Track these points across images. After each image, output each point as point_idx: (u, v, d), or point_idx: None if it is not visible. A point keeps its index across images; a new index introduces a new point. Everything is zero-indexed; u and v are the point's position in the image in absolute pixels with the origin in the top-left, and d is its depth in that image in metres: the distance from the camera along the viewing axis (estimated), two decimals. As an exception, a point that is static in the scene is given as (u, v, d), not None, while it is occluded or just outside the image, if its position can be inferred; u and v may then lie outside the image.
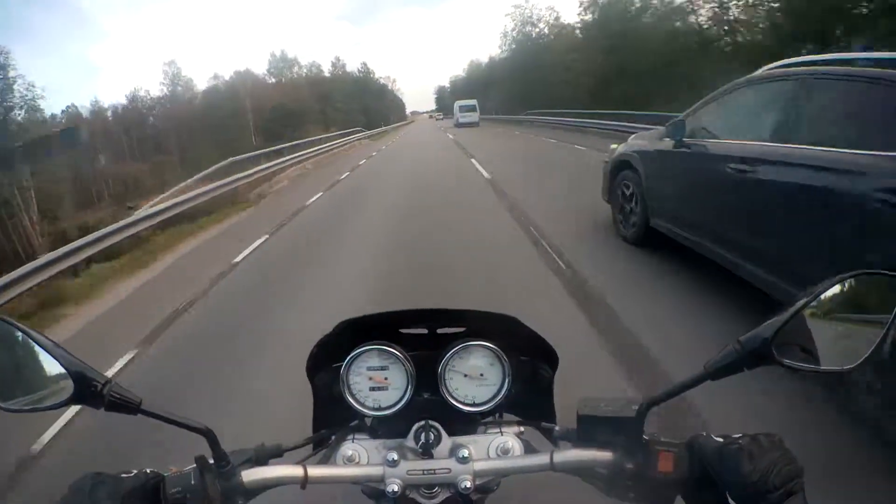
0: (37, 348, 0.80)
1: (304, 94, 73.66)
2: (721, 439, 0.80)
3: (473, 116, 48.88)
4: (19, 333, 0.80)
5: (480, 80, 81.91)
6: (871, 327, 0.79)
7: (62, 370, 0.80)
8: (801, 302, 0.77)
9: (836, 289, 0.79)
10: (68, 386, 0.80)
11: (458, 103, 52.52)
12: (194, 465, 0.83)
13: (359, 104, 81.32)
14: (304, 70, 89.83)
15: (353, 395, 0.98)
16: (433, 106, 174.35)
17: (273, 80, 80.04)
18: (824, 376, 0.79)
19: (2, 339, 0.82)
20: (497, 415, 1.04)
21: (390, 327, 1.04)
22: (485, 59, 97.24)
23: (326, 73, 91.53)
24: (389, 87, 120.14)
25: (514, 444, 0.96)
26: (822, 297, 0.78)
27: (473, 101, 50.91)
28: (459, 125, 46.37)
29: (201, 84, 72.79)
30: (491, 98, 62.54)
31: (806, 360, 0.80)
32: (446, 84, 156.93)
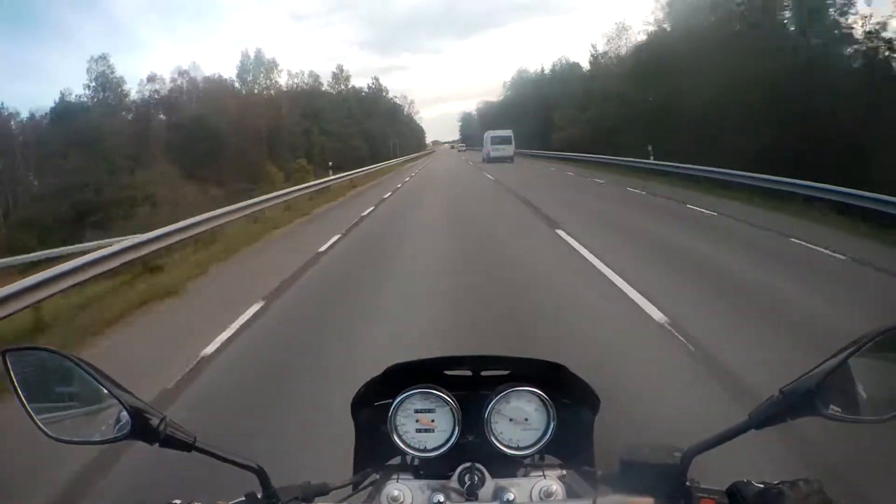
0: (93, 382, 0.84)
1: (278, 111, 53.54)
2: (762, 485, 0.82)
3: (507, 150, 42.34)
4: (74, 366, 0.85)
5: (516, 106, 73.29)
6: None
7: (118, 405, 0.83)
8: (844, 354, 0.79)
9: (878, 342, 0.81)
10: (124, 421, 0.83)
11: (489, 133, 45.86)
12: (243, 500, 0.88)
13: (361, 128, 66.18)
14: (292, 80, 66.09)
15: (399, 436, 1.01)
16: (456, 136, 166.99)
17: (240, 87, 57.39)
18: (868, 426, 0.81)
19: (57, 372, 0.86)
20: (538, 457, 1.07)
21: (436, 370, 1.08)
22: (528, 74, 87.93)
23: (325, 87, 71.63)
24: (406, 111, 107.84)
25: (557, 488, 0.98)
26: (864, 347, 0.80)
27: (509, 132, 44.52)
28: (490, 160, 41.23)
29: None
30: (526, 127, 55.75)
31: (848, 410, 0.82)
32: (472, 111, 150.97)
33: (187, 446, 0.84)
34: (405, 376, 1.03)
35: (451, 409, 1.00)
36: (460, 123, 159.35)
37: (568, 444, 1.09)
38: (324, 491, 0.97)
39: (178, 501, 0.85)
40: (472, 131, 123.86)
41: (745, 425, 0.83)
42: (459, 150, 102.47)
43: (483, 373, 1.09)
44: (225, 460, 0.84)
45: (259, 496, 0.88)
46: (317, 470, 1.11)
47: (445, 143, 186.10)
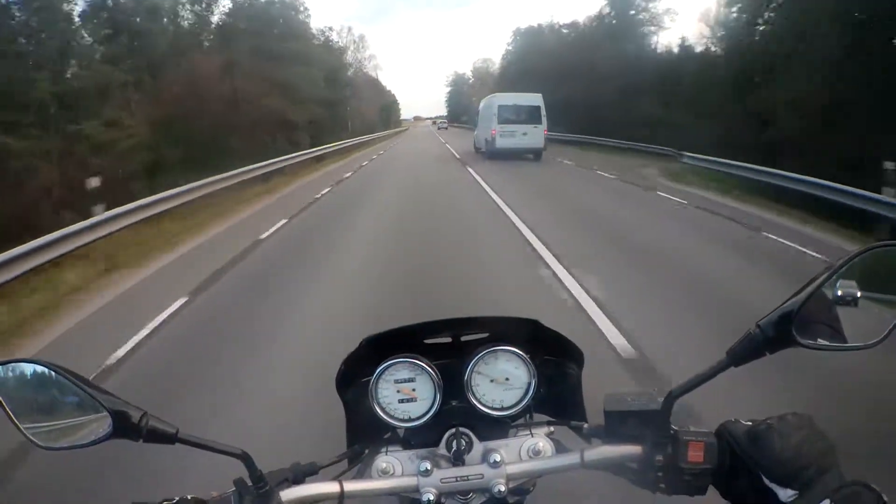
0: (73, 387, 0.88)
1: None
2: (750, 423, 0.87)
3: (533, 135, 24.40)
4: (54, 374, 0.88)
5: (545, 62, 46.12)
6: (892, 300, 0.86)
7: (99, 407, 0.87)
8: (818, 281, 0.83)
9: (855, 264, 0.83)
10: (106, 422, 0.87)
11: (495, 101, 26.01)
12: (234, 489, 0.92)
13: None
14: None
15: (383, 409, 1.07)
16: (443, 112, 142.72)
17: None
18: (849, 353, 0.86)
19: (39, 382, 0.90)
20: (527, 416, 1.13)
21: (414, 339, 1.13)
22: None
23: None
24: (365, 71, 76.20)
25: (545, 445, 1.04)
26: (840, 272, 0.83)
27: (536, 99, 25.24)
28: (495, 153, 24.68)
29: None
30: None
31: (827, 338, 0.85)
32: (467, 72, 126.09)
33: (170, 438, 0.88)
34: (382, 348, 1.09)
35: (430, 376, 1.05)
36: (448, 91, 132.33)
37: (556, 401, 1.15)
38: (313, 470, 1.02)
39: (174, 498, 0.88)
40: (464, 104, 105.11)
41: (723, 364, 0.87)
42: (440, 128, 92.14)
43: (463, 338, 1.15)
44: (208, 448, 0.90)
45: (248, 483, 0.92)
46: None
47: (428, 118, 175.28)
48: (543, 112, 24.31)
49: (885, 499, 0.71)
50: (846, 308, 0.84)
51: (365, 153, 34.96)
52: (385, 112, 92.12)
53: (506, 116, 24.31)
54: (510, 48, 69.50)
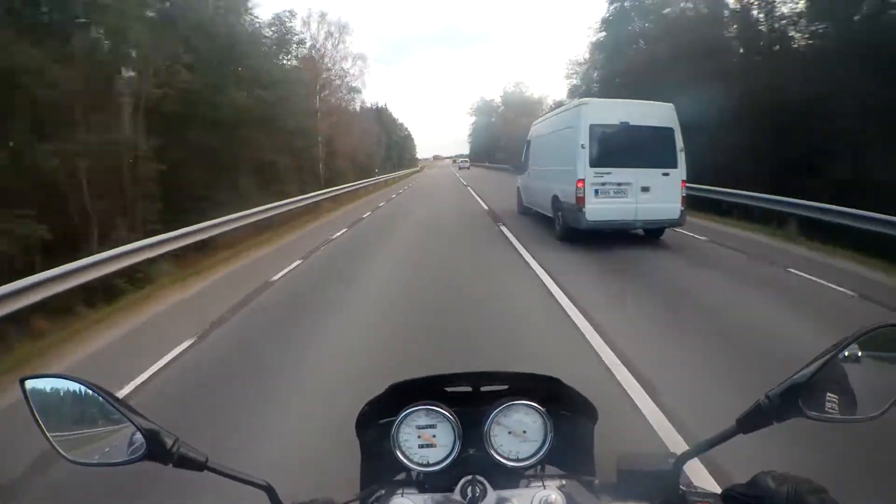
0: (107, 406, 0.93)
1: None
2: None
3: (666, 192, 11.18)
4: (89, 391, 0.93)
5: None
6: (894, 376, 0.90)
7: (132, 428, 0.92)
8: (827, 356, 0.88)
9: (861, 342, 0.88)
10: (139, 443, 0.92)
11: (587, 111, 11.19)
12: None
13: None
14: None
15: (403, 452, 1.13)
16: (465, 150, 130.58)
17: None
18: (852, 426, 0.91)
19: (73, 398, 0.94)
20: (538, 467, 1.19)
21: (437, 386, 1.20)
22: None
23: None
24: (348, 82, 48.42)
25: (557, 498, 1.08)
26: (848, 348, 0.88)
27: (667, 112, 11.39)
28: (584, 227, 11.10)
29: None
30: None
31: (833, 410, 0.88)
32: (496, 98, 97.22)
33: (200, 466, 0.95)
34: (406, 394, 1.17)
35: (451, 424, 1.13)
36: (473, 122, 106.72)
37: (568, 455, 1.22)
38: None
39: None
40: (494, 135, 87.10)
41: (732, 430, 0.94)
42: (461, 168, 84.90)
43: (482, 388, 1.22)
44: (235, 478, 0.97)
45: None
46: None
47: (448, 157, 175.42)
48: (680, 144, 11.42)
49: None
50: (850, 382, 0.87)
51: (340, 216, 21.17)
52: (396, 149, 79.98)
53: (606, 148, 11.23)
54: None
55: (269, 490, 0.97)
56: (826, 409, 0.88)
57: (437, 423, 1.13)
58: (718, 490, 0.96)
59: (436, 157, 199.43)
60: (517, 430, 1.13)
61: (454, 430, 1.12)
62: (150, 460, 0.92)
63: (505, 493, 1.09)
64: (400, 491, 1.14)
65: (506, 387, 1.19)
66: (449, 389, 1.22)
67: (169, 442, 0.92)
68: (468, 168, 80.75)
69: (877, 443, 3.19)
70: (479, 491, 1.07)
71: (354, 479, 1.28)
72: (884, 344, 0.89)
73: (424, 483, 1.15)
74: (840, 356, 0.87)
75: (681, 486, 0.98)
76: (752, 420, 0.90)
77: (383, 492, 1.16)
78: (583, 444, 1.24)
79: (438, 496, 1.10)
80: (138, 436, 0.91)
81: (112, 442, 0.94)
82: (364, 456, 1.26)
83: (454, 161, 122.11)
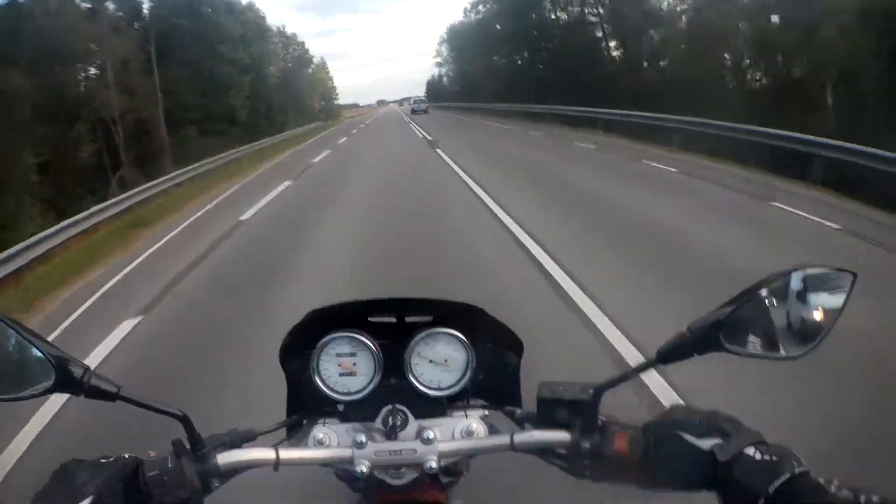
0: (16, 338, 0.89)
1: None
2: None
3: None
4: None
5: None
6: (819, 318, 0.90)
7: (43, 359, 0.88)
8: (751, 291, 0.89)
9: (788, 279, 0.89)
10: (49, 374, 0.88)
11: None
12: (171, 450, 0.95)
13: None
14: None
15: (323, 381, 1.13)
16: (410, 93, 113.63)
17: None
18: (773, 363, 0.82)
19: None
20: (465, 401, 1.20)
21: (359, 316, 1.20)
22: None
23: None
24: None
25: (478, 427, 1.10)
26: (772, 286, 0.88)
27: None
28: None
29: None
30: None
31: (756, 347, 0.90)
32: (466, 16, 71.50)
33: (112, 396, 0.92)
34: (328, 322, 1.16)
35: (371, 352, 1.13)
36: (437, 60, 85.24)
37: (494, 389, 1.23)
38: (251, 436, 1.08)
39: (111, 457, 0.91)
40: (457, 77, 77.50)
41: (651, 361, 0.95)
42: (415, 111, 62.91)
43: (407, 319, 1.22)
44: (149, 408, 0.94)
45: (186, 445, 0.96)
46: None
47: (392, 101, 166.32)
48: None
49: (804, 463, 0.78)
50: (774, 320, 0.88)
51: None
52: (284, 92, 53.51)
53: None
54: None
55: (184, 420, 0.94)
56: (748, 345, 0.89)
57: (357, 352, 1.13)
58: (639, 424, 0.97)
59: (380, 103, 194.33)
60: (438, 359, 1.13)
61: (375, 358, 1.12)
62: (60, 391, 0.89)
63: (426, 422, 1.10)
64: (322, 420, 1.14)
65: (430, 318, 1.19)
66: (372, 320, 1.22)
67: (79, 371, 0.89)
68: (425, 112, 59.47)
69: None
70: (400, 420, 1.08)
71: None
72: (810, 283, 0.88)
73: (346, 414, 1.15)
74: (764, 293, 0.87)
75: (600, 417, 0.98)
76: (672, 351, 0.90)
77: (305, 422, 1.17)
78: (508, 375, 1.24)
79: (359, 425, 1.10)
80: (48, 365, 0.87)
81: (20, 374, 0.90)
82: (289, 386, 1.25)
83: (400, 104, 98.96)
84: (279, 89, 51.47)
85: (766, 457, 0.80)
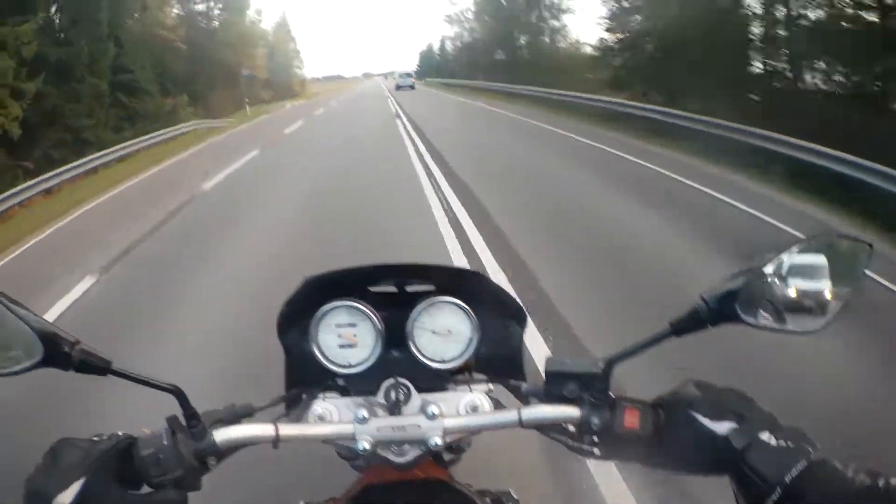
0: (3, 311, 0.84)
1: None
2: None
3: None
4: None
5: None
6: (837, 290, 0.88)
7: (30, 332, 0.84)
8: (768, 261, 0.87)
9: (804, 249, 0.87)
10: (37, 348, 0.85)
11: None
12: (166, 427, 0.93)
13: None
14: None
15: (322, 353, 1.10)
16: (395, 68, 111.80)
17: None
18: (790, 337, 0.80)
19: None
20: (468, 374, 1.18)
21: (358, 285, 1.17)
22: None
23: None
24: None
25: (484, 402, 1.08)
26: (789, 256, 0.86)
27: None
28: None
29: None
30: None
31: (771, 319, 0.88)
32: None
33: (103, 370, 0.88)
34: (326, 291, 1.12)
35: (372, 323, 1.09)
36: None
37: (498, 362, 1.20)
38: (249, 412, 1.04)
39: (104, 434, 0.89)
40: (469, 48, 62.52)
41: (664, 333, 0.91)
42: (399, 87, 53.18)
43: (408, 288, 1.19)
44: (141, 382, 0.91)
45: (181, 421, 0.93)
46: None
47: (379, 75, 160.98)
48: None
49: (818, 447, 0.76)
50: (791, 292, 0.85)
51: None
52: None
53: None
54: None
55: (178, 394, 0.91)
56: (764, 317, 0.86)
57: (357, 322, 1.09)
58: (648, 399, 0.95)
59: (366, 75, 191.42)
60: (442, 330, 1.10)
61: (376, 329, 1.09)
62: (49, 366, 0.85)
63: (430, 396, 1.07)
64: (322, 395, 1.11)
65: (431, 287, 1.16)
66: (372, 289, 1.18)
67: (68, 344, 0.85)
68: (411, 87, 52.15)
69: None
70: (403, 394, 1.05)
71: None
72: (828, 252, 0.87)
73: (347, 387, 1.12)
74: (778, 263, 0.85)
75: (611, 392, 0.95)
76: (686, 323, 0.88)
77: (305, 396, 1.14)
78: (511, 348, 1.22)
79: (361, 399, 1.07)
80: (35, 339, 0.83)
81: (4, 347, 0.86)
82: (288, 359, 1.22)
83: (386, 78, 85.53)
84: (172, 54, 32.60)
85: (782, 442, 0.77)
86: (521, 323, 1.22)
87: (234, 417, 1.01)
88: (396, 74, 68.98)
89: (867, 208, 8.14)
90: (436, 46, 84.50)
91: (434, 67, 77.31)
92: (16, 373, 0.86)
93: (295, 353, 1.19)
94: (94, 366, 0.87)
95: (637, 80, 24.25)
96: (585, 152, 13.50)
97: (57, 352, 0.85)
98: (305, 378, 1.17)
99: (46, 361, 0.85)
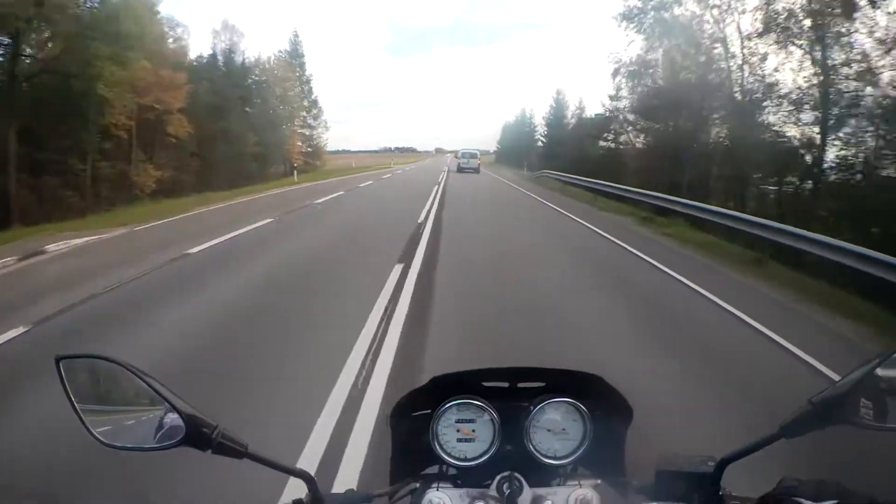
0: (147, 389, 0.91)
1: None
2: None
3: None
4: (129, 374, 0.90)
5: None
6: None
7: (172, 412, 0.90)
8: (875, 362, 0.87)
9: None
10: (178, 427, 0.90)
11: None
12: None
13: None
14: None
15: (441, 446, 1.13)
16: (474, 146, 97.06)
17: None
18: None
19: (110, 379, 0.93)
20: (570, 468, 1.18)
21: (474, 381, 1.20)
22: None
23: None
24: None
25: (593, 497, 1.09)
26: (888, 361, 0.86)
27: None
28: None
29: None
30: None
31: (879, 418, 0.88)
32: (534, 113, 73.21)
33: (239, 453, 0.94)
34: (444, 388, 1.17)
35: (491, 419, 1.14)
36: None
37: (600, 456, 1.21)
38: (367, 499, 1.09)
39: None
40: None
41: (775, 435, 0.93)
42: (462, 168, 48.49)
43: (520, 385, 1.22)
44: (275, 467, 0.96)
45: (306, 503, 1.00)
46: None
47: (449, 152, 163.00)
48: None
49: None
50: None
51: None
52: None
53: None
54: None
55: (309, 480, 0.97)
56: (871, 416, 0.87)
57: (476, 418, 1.14)
58: (755, 496, 0.95)
59: (438, 150, 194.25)
60: (556, 428, 1.13)
61: (494, 426, 1.13)
62: (189, 446, 0.91)
63: (541, 490, 1.10)
64: (435, 485, 1.14)
65: (542, 384, 1.20)
66: (487, 385, 1.22)
67: (210, 428, 0.91)
68: (476, 170, 46.37)
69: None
70: (515, 487, 1.07)
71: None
72: None
73: (457, 478, 1.16)
74: (887, 362, 0.85)
75: (721, 489, 0.97)
76: (796, 425, 0.89)
77: (418, 485, 1.16)
78: (616, 445, 1.23)
79: (474, 491, 1.11)
80: (177, 420, 0.90)
81: (149, 426, 0.92)
82: (395, 447, 1.24)
83: (456, 157, 64.82)
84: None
85: None
86: (627, 421, 1.23)
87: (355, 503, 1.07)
88: (459, 153, 56.93)
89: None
90: (538, 113, 71.78)
91: (530, 147, 65.17)
92: (157, 450, 0.92)
93: (403, 441, 1.22)
94: (231, 449, 0.93)
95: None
96: None
97: (198, 433, 0.90)
98: (412, 466, 1.21)
99: (187, 441, 0.90)
